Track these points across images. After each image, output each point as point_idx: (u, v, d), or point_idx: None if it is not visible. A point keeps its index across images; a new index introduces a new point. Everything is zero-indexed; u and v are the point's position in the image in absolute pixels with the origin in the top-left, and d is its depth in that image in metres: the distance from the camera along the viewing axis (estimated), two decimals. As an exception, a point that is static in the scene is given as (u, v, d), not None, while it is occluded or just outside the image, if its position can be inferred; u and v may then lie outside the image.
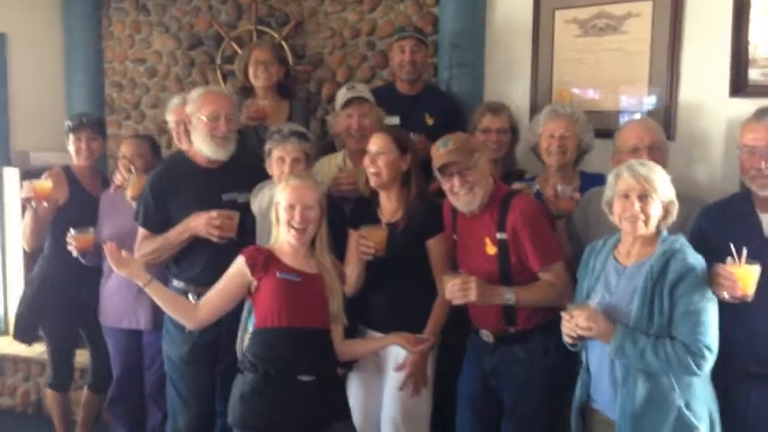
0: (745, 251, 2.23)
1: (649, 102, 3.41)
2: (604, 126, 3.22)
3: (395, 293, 2.89)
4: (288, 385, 2.57)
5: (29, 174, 4.09)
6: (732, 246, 2.24)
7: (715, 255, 2.31)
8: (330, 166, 3.32)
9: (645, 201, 2.29)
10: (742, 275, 2.23)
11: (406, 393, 2.86)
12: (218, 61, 4.45)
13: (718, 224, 2.56)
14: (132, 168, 3.37)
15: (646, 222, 2.31)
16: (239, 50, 4.34)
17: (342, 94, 3.35)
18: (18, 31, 4.60)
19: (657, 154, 2.79)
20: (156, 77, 4.64)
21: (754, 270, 2.24)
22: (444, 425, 3.03)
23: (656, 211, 2.31)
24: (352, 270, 2.85)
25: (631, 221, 2.31)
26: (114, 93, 4.71)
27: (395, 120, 3.48)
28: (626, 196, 2.32)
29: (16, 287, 4.42)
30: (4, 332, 4.62)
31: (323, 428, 2.61)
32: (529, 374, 2.72)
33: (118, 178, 3.45)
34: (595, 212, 2.58)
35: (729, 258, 2.25)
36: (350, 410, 2.78)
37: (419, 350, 2.70)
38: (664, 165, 2.55)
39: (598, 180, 2.96)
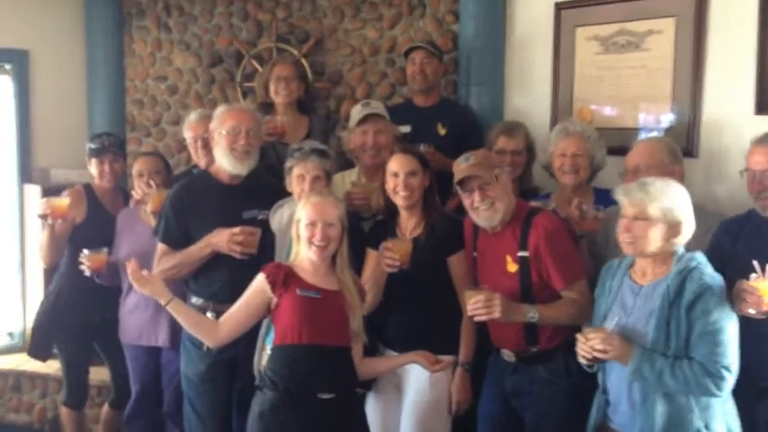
0: None
1: (671, 119, 3.39)
2: (626, 144, 3.18)
3: (412, 313, 2.87)
4: (308, 403, 2.55)
5: (49, 190, 4.13)
6: (755, 262, 2.24)
7: (734, 269, 2.32)
8: (344, 182, 3.32)
9: (637, 223, 2.29)
10: (767, 291, 2.23)
11: (425, 413, 2.84)
12: (239, 78, 4.48)
13: (736, 239, 2.58)
14: (152, 183, 3.38)
15: (641, 245, 2.30)
16: (259, 68, 4.37)
17: (357, 111, 3.35)
18: (40, 49, 4.65)
19: (658, 173, 2.74)
20: (176, 95, 4.66)
21: None
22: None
23: (654, 234, 2.29)
24: (370, 288, 2.83)
25: (625, 243, 2.33)
26: (135, 110, 4.74)
27: (406, 128, 3.52)
28: (624, 218, 2.34)
29: (36, 303, 4.42)
30: (23, 348, 4.61)
31: (342, 447, 2.59)
32: (551, 394, 2.69)
33: (137, 193, 3.46)
34: (615, 231, 2.57)
35: (754, 274, 2.25)
36: (369, 429, 2.75)
37: (438, 369, 2.67)
38: None
39: (611, 197, 2.95)
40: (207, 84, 4.57)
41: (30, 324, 4.44)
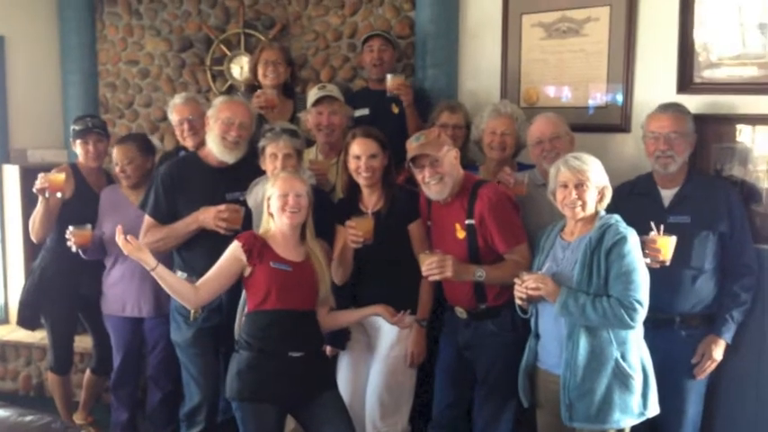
0: (662, 226, 2.68)
1: (607, 98, 3.69)
2: (569, 121, 3.40)
3: (381, 279, 3.09)
4: (280, 361, 2.83)
5: (27, 170, 4.28)
6: (652, 222, 2.69)
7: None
8: (304, 159, 3.47)
9: (580, 189, 2.65)
10: (663, 244, 2.69)
11: (393, 366, 3.09)
12: (208, 62, 4.65)
13: (627, 199, 2.98)
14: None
15: (583, 207, 2.66)
16: (228, 52, 4.57)
17: (313, 93, 3.57)
18: (16, 35, 4.73)
19: (560, 143, 3.14)
20: (148, 78, 4.81)
21: (672, 240, 2.71)
22: (427, 395, 3.27)
23: (591, 197, 2.66)
24: (339, 263, 3.05)
25: (571, 207, 2.67)
26: (108, 93, 4.86)
27: (364, 111, 3.77)
28: (565, 186, 2.67)
29: (16, 278, 4.61)
30: (5, 321, 4.79)
31: (312, 397, 2.87)
32: (498, 346, 2.97)
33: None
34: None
35: (652, 232, 2.68)
36: (336, 381, 3.03)
37: (396, 321, 2.92)
38: (568, 151, 2.93)
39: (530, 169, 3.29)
40: (177, 68, 4.73)
41: (12, 298, 4.64)
